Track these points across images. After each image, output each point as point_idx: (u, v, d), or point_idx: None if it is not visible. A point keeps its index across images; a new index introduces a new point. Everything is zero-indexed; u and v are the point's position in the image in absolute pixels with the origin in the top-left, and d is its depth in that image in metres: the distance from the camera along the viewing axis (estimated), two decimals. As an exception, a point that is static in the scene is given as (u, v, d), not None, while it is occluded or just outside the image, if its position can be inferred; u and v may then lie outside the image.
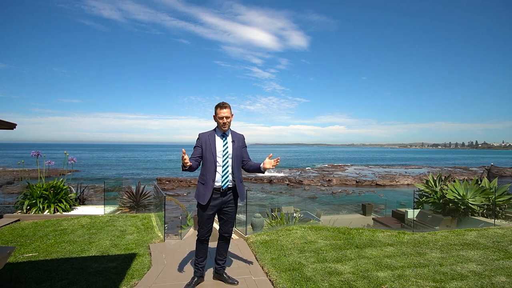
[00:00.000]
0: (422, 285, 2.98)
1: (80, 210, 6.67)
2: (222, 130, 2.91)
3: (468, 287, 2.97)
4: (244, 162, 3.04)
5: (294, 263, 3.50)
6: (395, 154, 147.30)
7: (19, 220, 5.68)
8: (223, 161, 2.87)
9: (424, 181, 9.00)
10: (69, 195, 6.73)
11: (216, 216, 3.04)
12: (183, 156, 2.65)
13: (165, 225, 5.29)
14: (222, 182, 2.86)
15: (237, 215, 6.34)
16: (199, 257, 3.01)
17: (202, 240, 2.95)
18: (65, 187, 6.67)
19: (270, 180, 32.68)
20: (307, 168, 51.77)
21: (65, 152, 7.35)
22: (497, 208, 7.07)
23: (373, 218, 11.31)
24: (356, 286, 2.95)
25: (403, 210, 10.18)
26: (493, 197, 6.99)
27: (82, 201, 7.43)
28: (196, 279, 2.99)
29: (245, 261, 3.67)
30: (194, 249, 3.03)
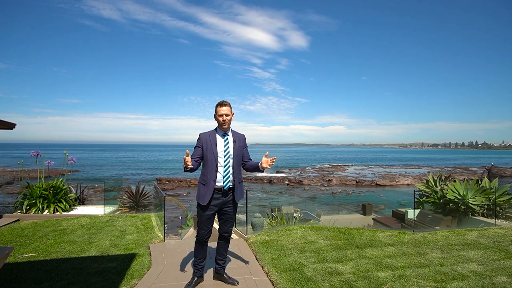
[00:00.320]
0: (423, 285, 2.97)
1: (80, 210, 6.66)
2: (222, 129, 2.88)
3: (469, 287, 2.96)
4: (244, 162, 3.03)
5: (294, 263, 3.49)
6: (395, 154, 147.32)
7: (18, 220, 5.66)
8: (224, 161, 2.85)
9: (424, 181, 8.99)
10: (69, 195, 6.72)
11: (216, 216, 3.03)
12: (185, 158, 2.63)
13: (165, 225, 5.28)
14: (224, 182, 2.84)
15: (237, 215, 6.33)
16: (198, 258, 3.00)
17: (202, 242, 2.93)
18: (64, 187, 6.66)
19: (270, 180, 32.66)
20: (307, 168, 51.76)
21: (65, 152, 7.34)
22: (497, 208, 7.06)
23: (373, 218, 11.30)
24: (356, 286, 2.94)
25: (403, 210, 10.17)
26: (494, 197, 6.98)
27: (81, 201, 7.41)
28: (196, 279, 2.98)
29: (245, 261, 3.66)
30: (194, 249, 3.02)
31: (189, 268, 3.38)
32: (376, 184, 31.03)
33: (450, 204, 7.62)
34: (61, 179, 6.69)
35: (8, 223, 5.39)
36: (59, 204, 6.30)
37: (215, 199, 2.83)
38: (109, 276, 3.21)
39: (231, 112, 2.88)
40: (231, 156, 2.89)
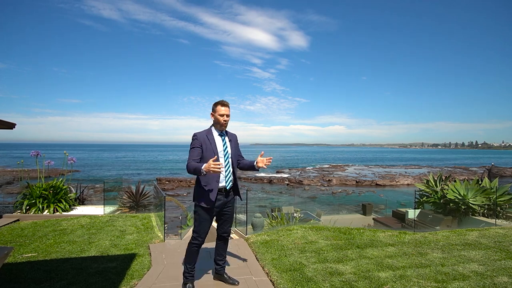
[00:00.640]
0: (424, 286, 2.96)
1: (80, 210, 6.65)
2: (220, 129, 2.84)
3: (470, 287, 2.95)
4: (239, 161, 3.00)
5: (295, 263, 3.48)
6: (395, 154, 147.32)
7: (18, 220, 5.65)
8: (225, 161, 2.83)
9: (425, 181, 8.98)
10: (69, 195, 6.71)
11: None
12: (215, 163, 2.44)
13: (165, 225, 5.27)
14: (226, 182, 2.82)
15: (237, 215, 6.32)
16: (192, 264, 2.85)
17: (199, 246, 2.82)
18: (64, 187, 6.65)
19: (270, 180, 32.66)
20: (307, 168, 51.76)
21: (64, 152, 7.34)
22: (498, 208, 7.05)
23: (373, 218, 11.29)
24: (357, 286, 2.93)
25: (403, 210, 10.16)
26: (494, 197, 6.97)
27: (81, 201, 7.40)
28: (190, 285, 2.85)
29: (246, 261, 3.65)
30: (188, 255, 2.86)
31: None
32: (376, 184, 31.02)
33: (451, 204, 7.61)
34: (61, 179, 6.69)
35: (8, 223, 5.38)
36: (59, 204, 6.29)
37: (218, 200, 2.79)
38: (109, 276, 3.20)
39: (229, 112, 2.86)
40: (230, 156, 2.87)
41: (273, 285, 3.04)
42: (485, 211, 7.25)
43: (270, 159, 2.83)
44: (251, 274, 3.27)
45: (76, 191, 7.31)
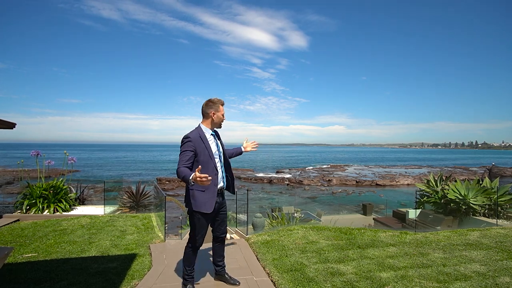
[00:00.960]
0: (425, 286, 2.95)
1: (80, 210, 6.63)
2: (218, 128, 2.78)
3: None
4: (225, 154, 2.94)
5: (296, 263, 3.47)
6: (395, 154, 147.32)
7: (18, 220, 5.64)
8: (220, 162, 2.76)
9: (425, 181, 8.97)
10: (69, 195, 6.70)
11: None
12: (201, 176, 2.20)
13: (165, 225, 5.26)
14: (223, 183, 2.80)
15: (238, 215, 6.31)
16: (191, 266, 2.80)
17: (197, 248, 2.78)
18: (65, 187, 6.63)
19: (270, 180, 32.65)
20: (307, 168, 51.75)
21: (65, 152, 7.32)
22: (499, 208, 7.04)
23: (373, 218, 11.29)
24: (359, 286, 2.92)
25: (404, 210, 10.15)
26: (495, 197, 6.96)
27: (82, 201, 7.39)
28: (190, 286, 2.83)
29: (247, 261, 3.64)
30: (186, 258, 2.81)
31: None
32: (376, 184, 31.02)
33: (451, 204, 7.60)
34: (61, 179, 6.67)
35: (8, 223, 5.36)
36: (59, 204, 6.28)
37: (216, 202, 2.69)
38: (110, 277, 3.18)
39: None
40: (222, 154, 2.81)
41: (274, 286, 3.02)
42: (486, 211, 7.24)
43: (256, 142, 2.81)
44: (252, 275, 3.26)
45: (76, 191, 7.30)
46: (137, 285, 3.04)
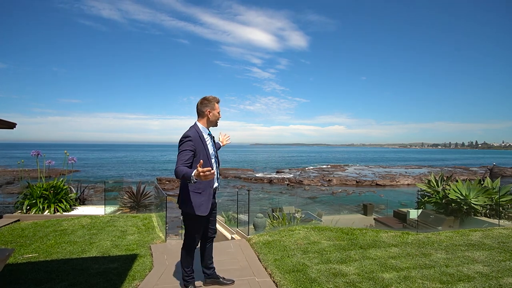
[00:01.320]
0: (429, 287, 2.93)
1: (81, 210, 6.62)
2: (214, 126, 2.74)
3: (475, 288, 2.92)
4: None
5: (298, 264, 3.45)
6: (395, 154, 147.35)
7: (19, 220, 5.63)
8: (215, 162, 2.73)
9: (426, 181, 8.94)
10: (69, 195, 6.68)
11: None
12: (204, 169, 2.11)
13: (166, 225, 5.24)
14: (218, 184, 2.79)
15: (238, 215, 6.30)
16: (190, 266, 2.77)
17: (194, 249, 2.75)
18: (65, 187, 6.62)
19: (270, 180, 32.63)
20: (307, 168, 51.73)
21: (65, 151, 7.30)
22: (500, 208, 7.02)
23: (374, 218, 11.26)
24: (361, 287, 2.90)
25: (404, 210, 10.13)
26: (496, 197, 6.94)
27: (82, 201, 7.38)
28: (192, 287, 2.80)
29: (248, 262, 3.62)
30: (184, 259, 2.77)
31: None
32: (377, 184, 30.99)
33: (453, 204, 7.58)
34: (61, 179, 6.66)
35: (9, 223, 5.35)
36: (59, 204, 6.26)
37: (211, 203, 2.68)
38: (111, 277, 3.17)
39: None
40: (216, 154, 2.80)
41: (276, 286, 3.01)
42: (487, 212, 7.22)
43: (227, 135, 2.89)
44: (254, 275, 3.24)
45: (77, 191, 7.28)
46: (138, 286, 3.03)
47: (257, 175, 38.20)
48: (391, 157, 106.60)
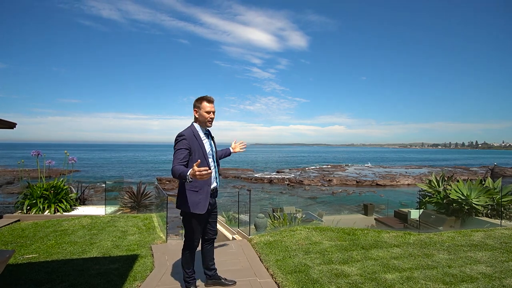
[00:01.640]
0: (431, 288, 2.91)
1: (81, 210, 6.60)
2: (205, 126, 2.68)
3: (478, 289, 2.90)
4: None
5: (299, 264, 3.43)
6: (395, 154, 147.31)
7: (19, 220, 5.61)
8: (213, 161, 2.70)
9: (427, 181, 8.92)
10: (70, 195, 6.66)
11: None
12: (201, 169, 2.11)
13: (167, 225, 5.22)
14: (217, 184, 2.75)
15: (240, 216, 6.27)
16: (191, 268, 2.77)
17: (194, 250, 2.74)
18: (65, 187, 6.60)
19: (271, 180, 32.61)
20: (307, 168, 51.71)
21: (65, 151, 7.28)
22: (501, 209, 7.00)
23: (375, 218, 11.25)
24: (364, 288, 2.88)
25: (405, 210, 10.11)
26: (498, 197, 6.92)
27: (82, 201, 7.36)
28: None
29: (250, 262, 3.60)
30: (185, 261, 2.78)
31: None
32: (377, 184, 30.97)
33: (454, 205, 7.56)
34: (61, 179, 6.64)
35: (9, 224, 5.33)
36: (60, 204, 6.24)
37: (209, 203, 2.65)
38: (111, 278, 3.15)
39: (215, 109, 2.69)
40: (215, 154, 2.77)
41: (278, 287, 2.99)
42: (489, 212, 7.20)
43: (244, 143, 2.76)
44: (256, 276, 3.22)
45: (77, 191, 7.26)
46: (139, 286, 3.01)
47: (257, 175, 38.19)
48: (391, 157, 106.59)
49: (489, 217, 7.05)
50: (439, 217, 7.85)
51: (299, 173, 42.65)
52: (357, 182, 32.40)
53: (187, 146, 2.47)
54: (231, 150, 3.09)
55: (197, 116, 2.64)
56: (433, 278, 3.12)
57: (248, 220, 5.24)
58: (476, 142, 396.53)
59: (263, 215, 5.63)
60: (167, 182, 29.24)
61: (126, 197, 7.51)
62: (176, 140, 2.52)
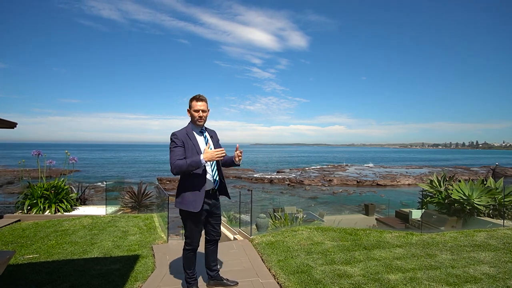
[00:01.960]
0: (435, 288, 2.89)
1: (82, 210, 6.58)
2: (197, 125, 2.67)
3: (482, 290, 2.88)
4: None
5: (302, 265, 3.41)
6: (395, 154, 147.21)
7: (19, 220, 5.59)
8: (211, 161, 2.64)
9: (428, 181, 8.90)
10: (70, 195, 6.65)
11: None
12: (217, 150, 2.40)
13: (168, 225, 5.19)
14: (214, 183, 2.68)
15: (241, 216, 6.26)
16: (192, 269, 2.76)
17: (195, 250, 2.73)
18: (66, 187, 6.58)
19: (271, 180, 32.60)
20: (307, 168, 51.67)
21: (66, 151, 7.27)
22: (503, 209, 6.97)
23: (376, 219, 11.22)
24: (367, 289, 2.86)
25: (406, 210, 10.08)
26: (500, 197, 6.89)
27: (83, 201, 7.34)
28: None
29: (252, 263, 3.58)
30: (185, 261, 2.77)
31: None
32: (377, 184, 30.93)
33: (455, 205, 7.53)
34: (62, 179, 6.62)
35: (9, 224, 5.31)
36: (60, 204, 6.23)
37: (206, 203, 2.64)
38: (113, 279, 3.13)
39: (207, 108, 2.67)
40: None
41: (281, 288, 2.97)
42: (490, 212, 7.17)
43: (240, 151, 2.68)
44: (258, 276, 3.20)
45: (78, 191, 7.25)
46: (141, 287, 2.99)
47: (257, 175, 38.17)
48: (391, 157, 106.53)
49: (491, 217, 7.02)
50: (441, 217, 7.82)
51: (299, 173, 42.62)
52: (357, 182, 32.37)
53: (180, 143, 2.54)
54: (234, 159, 2.74)
55: (189, 116, 2.69)
56: (437, 278, 3.09)
57: (250, 220, 5.22)
58: (477, 142, 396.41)
59: (265, 215, 5.61)
60: (168, 182, 29.24)
61: (126, 197, 7.49)
62: (170, 139, 2.60)
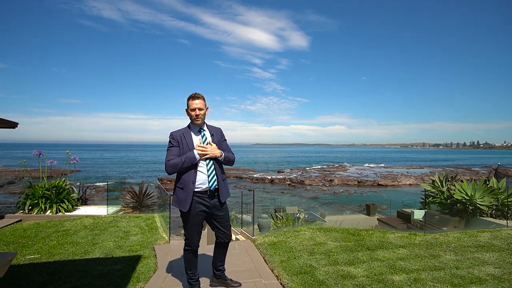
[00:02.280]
0: (440, 290, 2.86)
1: (83, 210, 6.57)
2: (195, 124, 2.65)
3: (488, 291, 2.85)
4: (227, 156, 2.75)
5: (305, 265, 3.39)
6: (396, 154, 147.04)
7: (20, 220, 5.58)
8: (207, 160, 2.61)
9: (430, 181, 8.86)
10: (72, 195, 6.63)
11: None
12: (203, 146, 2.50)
13: (170, 226, 5.17)
14: (210, 183, 2.58)
15: (243, 216, 6.23)
16: (192, 269, 2.74)
17: (194, 251, 2.70)
18: (67, 187, 6.57)
19: (272, 180, 32.57)
20: (308, 168, 51.62)
21: (67, 151, 7.25)
22: (507, 209, 6.93)
23: (378, 219, 11.19)
24: (371, 290, 2.83)
25: (408, 210, 10.05)
26: (503, 197, 6.85)
27: (84, 201, 7.32)
28: None
29: (254, 263, 3.55)
30: (186, 261, 2.76)
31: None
32: (378, 184, 30.87)
33: (458, 205, 7.49)
34: (63, 179, 6.60)
35: (10, 224, 5.30)
36: (61, 204, 6.21)
37: (200, 203, 2.58)
38: (114, 279, 3.11)
39: (205, 106, 2.64)
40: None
41: (284, 289, 2.94)
42: (493, 212, 7.13)
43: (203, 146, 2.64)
44: (261, 277, 3.18)
45: (79, 191, 7.23)
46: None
47: (258, 175, 38.14)
48: (392, 157, 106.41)
49: (493, 218, 6.99)
50: (443, 217, 7.78)
51: (300, 173, 42.58)
52: (358, 182, 32.31)
53: (176, 143, 2.62)
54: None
55: (187, 115, 2.70)
56: (441, 279, 3.07)
57: (251, 221, 5.19)
58: (478, 142, 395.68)
59: (267, 216, 5.59)
60: (169, 182, 29.22)
61: (128, 197, 7.47)
62: (168, 139, 2.70)
